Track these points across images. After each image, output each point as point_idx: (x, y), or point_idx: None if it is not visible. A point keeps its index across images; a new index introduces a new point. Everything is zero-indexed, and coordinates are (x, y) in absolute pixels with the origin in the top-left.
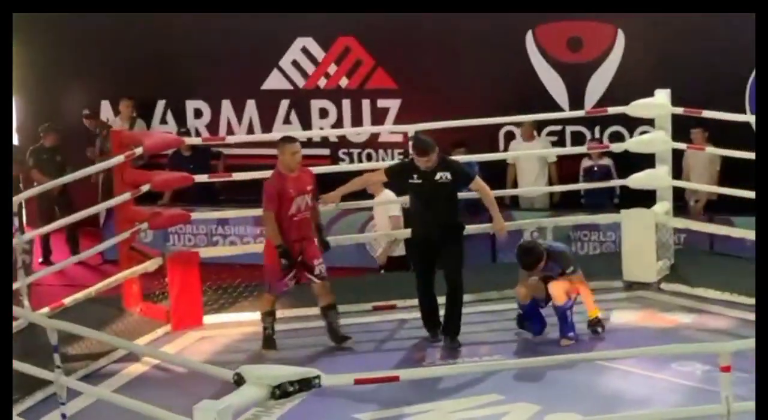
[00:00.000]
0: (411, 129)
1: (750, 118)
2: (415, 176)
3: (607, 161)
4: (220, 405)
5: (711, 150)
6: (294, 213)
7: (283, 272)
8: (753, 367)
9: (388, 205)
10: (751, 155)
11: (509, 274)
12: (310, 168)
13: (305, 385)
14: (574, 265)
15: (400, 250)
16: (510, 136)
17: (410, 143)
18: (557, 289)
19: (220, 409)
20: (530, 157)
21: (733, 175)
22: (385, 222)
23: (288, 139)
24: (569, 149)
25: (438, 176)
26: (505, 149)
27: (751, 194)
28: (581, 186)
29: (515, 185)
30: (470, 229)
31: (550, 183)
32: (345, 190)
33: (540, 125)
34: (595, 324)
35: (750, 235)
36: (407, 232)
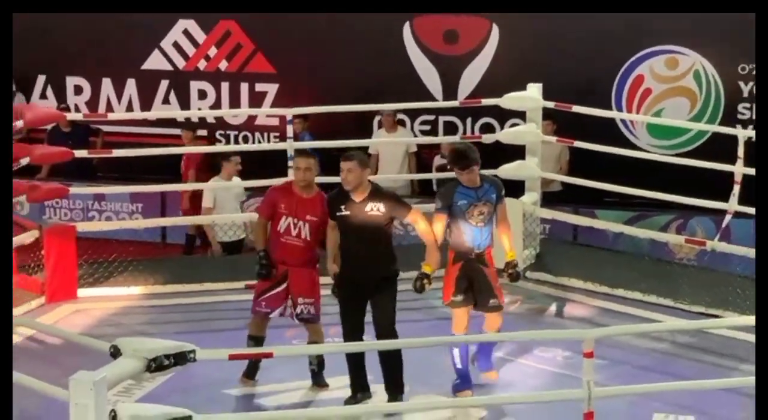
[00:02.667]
0: (287, 112)
1: (615, 114)
2: (343, 207)
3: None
4: (96, 376)
5: (579, 144)
6: (282, 232)
7: (260, 285)
8: (613, 355)
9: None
10: (608, 149)
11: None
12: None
13: (180, 358)
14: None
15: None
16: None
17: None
18: (496, 319)
19: (96, 380)
20: (392, 148)
21: (581, 167)
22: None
23: (301, 152)
24: (444, 139)
25: (368, 207)
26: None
27: (604, 186)
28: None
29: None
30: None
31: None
32: (332, 257)
33: (414, 114)
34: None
35: (610, 226)
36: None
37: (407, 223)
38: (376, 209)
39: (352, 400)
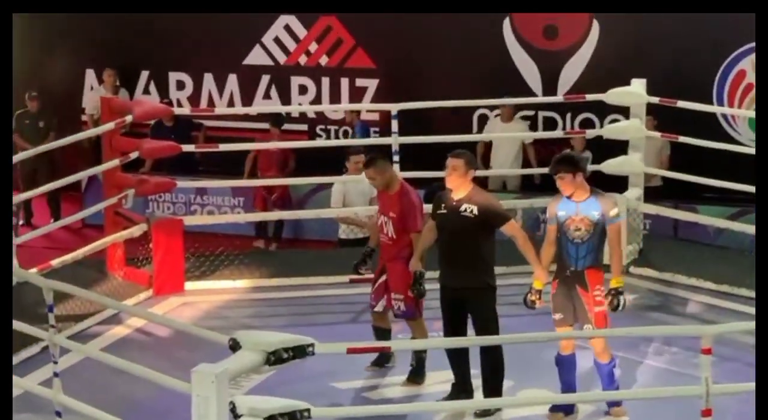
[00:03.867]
0: (392, 107)
1: (716, 108)
2: (443, 206)
3: (587, 154)
4: (218, 368)
5: (684, 139)
6: (380, 230)
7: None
8: (721, 352)
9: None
10: (711, 144)
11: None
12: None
13: (299, 352)
14: (619, 210)
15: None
16: (483, 119)
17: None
18: (598, 343)
19: (218, 373)
20: (507, 139)
21: (681, 163)
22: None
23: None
24: (545, 134)
25: (463, 208)
26: (479, 132)
27: (707, 181)
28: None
29: (486, 162)
30: None
31: (528, 165)
32: (419, 252)
33: (514, 109)
34: (614, 295)
35: (714, 221)
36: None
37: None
38: (469, 211)
39: (449, 398)
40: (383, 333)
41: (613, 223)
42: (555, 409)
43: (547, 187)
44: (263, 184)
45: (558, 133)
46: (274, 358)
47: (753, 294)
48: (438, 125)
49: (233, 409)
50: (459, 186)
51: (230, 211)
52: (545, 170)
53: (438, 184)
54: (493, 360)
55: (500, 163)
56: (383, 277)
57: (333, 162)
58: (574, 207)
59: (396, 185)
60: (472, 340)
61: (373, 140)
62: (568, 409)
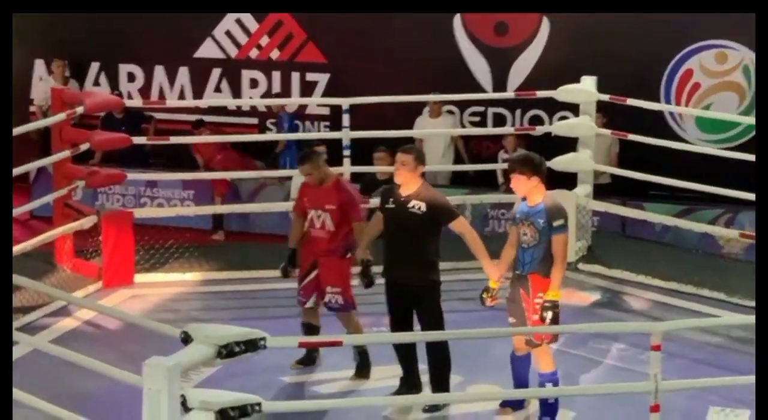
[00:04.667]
0: (343, 102)
1: (665, 107)
2: (391, 200)
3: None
4: (171, 362)
5: (634, 137)
6: (309, 226)
7: (299, 275)
8: (668, 348)
9: None
10: (660, 142)
11: None
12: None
13: (251, 345)
14: (565, 221)
15: None
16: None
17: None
18: (544, 355)
19: (170, 366)
20: (435, 135)
21: (629, 160)
22: None
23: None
24: (496, 130)
25: (411, 204)
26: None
27: (657, 178)
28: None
29: None
30: None
31: (460, 160)
32: (365, 242)
33: (463, 105)
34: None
35: (663, 219)
36: None
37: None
38: (417, 208)
39: (397, 393)
40: (313, 330)
41: (557, 234)
42: (505, 404)
43: (480, 182)
44: (212, 177)
45: (509, 129)
46: (226, 351)
47: (700, 291)
48: (389, 121)
49: (184, 402)
50: (408, 181)
51: (180, 204)
52: (485, 167)
53: (370, 176)
54: (439, 355)
55: (429, 159)
56: (314, 273)
57: None
58: (527, 212)
59: (331, 178)
60: (421, 336)
61: (324, 134)
62: (517, 404)
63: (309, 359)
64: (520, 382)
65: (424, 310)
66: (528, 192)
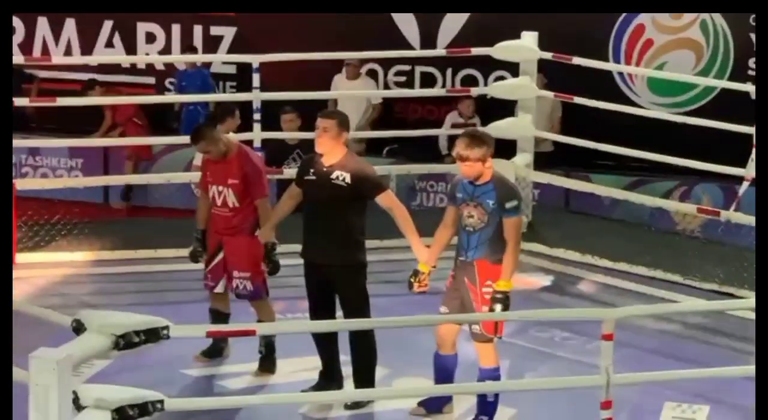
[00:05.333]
0: (253, 59)
1: (614, 66)
2: (311, 171)
3: (476, 120)
4: (60, 354)
5: (580, 100)
6: (212, 203)
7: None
8: (618, 336)
9: None
10: (608, 105)
11: None
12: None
13: (152, 335)
14: (519, 202)
15: None
16: (372, 75)
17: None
18: (488, 349)
19: (60, 359)
20: (350, 97)
21: (574, 127)
22: None
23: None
24: (424, 91)
25: (334, 175)
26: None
27: (605, 147)
28: (437, 132)
29: None
30: None
31: (373, 125)
32: (273, 222)
33: (388, 64)
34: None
35: (612, 192)
36: None
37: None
38: (341, 179)
39: (312, 391)
40: (222, 317)
41: (510, 216)
42: (422, 402)
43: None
44: (103, 143)
45: (440, 91)
46: (124, 341)
47: (653, 273)
48: (302, 81)
49: (76, 400)
50: (331, 149)
51: (67, 174)
52: (410, 133)
53: (278, 142)
54: (363, 345)
55: None
56: (221, 255)
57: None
58: (471, 191)
59: (233, 149)
60: (344, 324)
61: (232, 96)
62: (434, 406)
63: (215, 350)
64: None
65: (347, 295)
66: (481, 172)
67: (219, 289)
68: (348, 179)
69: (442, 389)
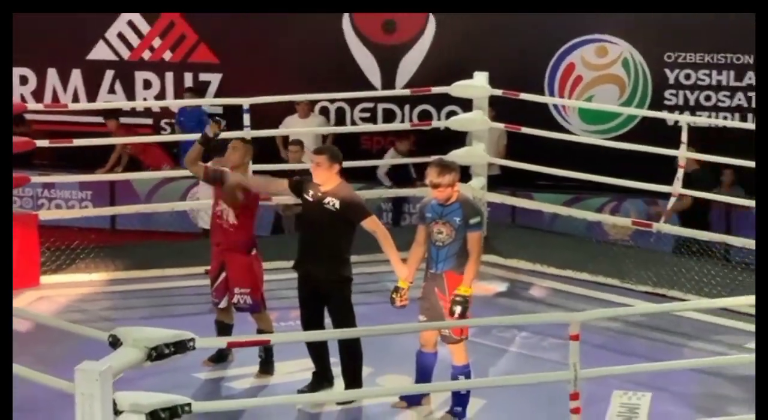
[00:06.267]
0: (240, 102)
1: (557, 100)
2: (310, 192)
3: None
4: (102, 366)
5: (526, 130)
6: (217, 215)
7: (210, 274)
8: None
9: None
10: (549, 134)
11: None
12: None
13: (180, 347)
14: (481, 219)
15: None
16: (340, 112)
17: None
18: (459, 349)
19: (102, 370)
20: (305, 134)
21: (517, 152)
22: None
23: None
24: (387, 125)
25: (326, 200)
26: (336, 124)
27: (548, 169)
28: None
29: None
30: None
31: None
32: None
33: (354, 102)
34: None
35: (553, 208)
36: None
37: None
38: (331, 205)
39: (307, 389)
40: (226, 328)
41: (474, 231)
42: (403, 397)
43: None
44: (110, 179)
45: (405, 125)
46: (156, 353)
47: (596, 278)
48: (274, 119)
49: (114, 406)
50: (325, 180)
51: (79, 205)
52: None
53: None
54: (351, 351)
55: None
56: (224, 275)
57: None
58: (440, 210)
59: (242, 171)
60: (336, 334)
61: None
62: (414, 400)
63: (221, 356)
64: (425, 379)
65: (335, 306)
66: (450, 196)
67: (223, 304)
68: (337, 205)
69: (427, 387)
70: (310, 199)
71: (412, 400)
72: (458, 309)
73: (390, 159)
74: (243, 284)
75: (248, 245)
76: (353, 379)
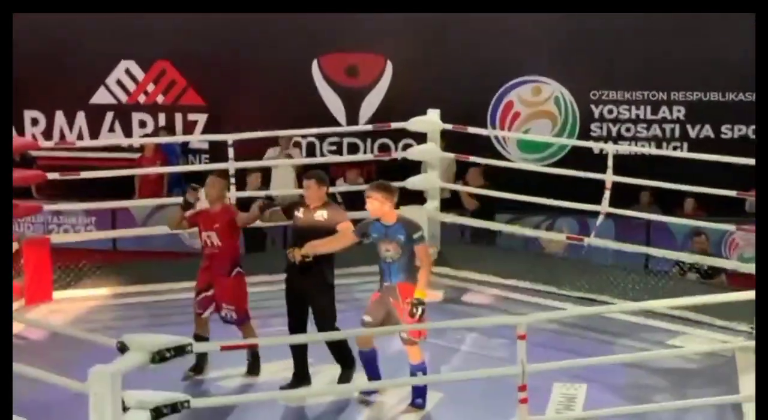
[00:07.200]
0: (225, 138)
1: (500, 133)
2: (301, 210)
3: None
4: (112, 369)
5: (474, 159)
6: (204, 246)
7: (197, 286)
8: (512, 334)
9: None
10: (492, 162)
11: None
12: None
13: (180, 350)
14: (422, 233)
15: None
16: (311, 147)
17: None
18: (415, 349)
19: (112, 372)
20: (285, 166)
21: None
22: None
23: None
24: (351, 157)
25: (317, 214)
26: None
27: (489, 192)
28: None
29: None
30: None
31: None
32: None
33: (322, 137)
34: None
35: (498, 226)
36: None
37: None
38: (321, 216)
39: (288, 386)
40: (204, 341)
41: (419, 244)
42: (362, 391)
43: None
44: (111, 206)
45: (368, 156)
46: (159, 357)
47: (536, 286)
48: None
49: (122, 403)
50: (315, 201)
51: (84, 229)
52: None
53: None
54: (336, 343)
55: (279, 185)
56: (210, 292)
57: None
58: (383, 230)
59: (222, 203)
60: (313, 336)
61: (208, 166)
62: (371, 393)
63: (198, 368)
64: (373, 371)
65: (319, 311)
66: (383, 213)
67: (206, 314)
68: (325, 215)
69: (395, 383)
70: (301, 215)
71: (371, 392)
72: (417, 310)
73: (339, 187)
74: (229, 301)
75: (234, 264)
76: (346, 359)
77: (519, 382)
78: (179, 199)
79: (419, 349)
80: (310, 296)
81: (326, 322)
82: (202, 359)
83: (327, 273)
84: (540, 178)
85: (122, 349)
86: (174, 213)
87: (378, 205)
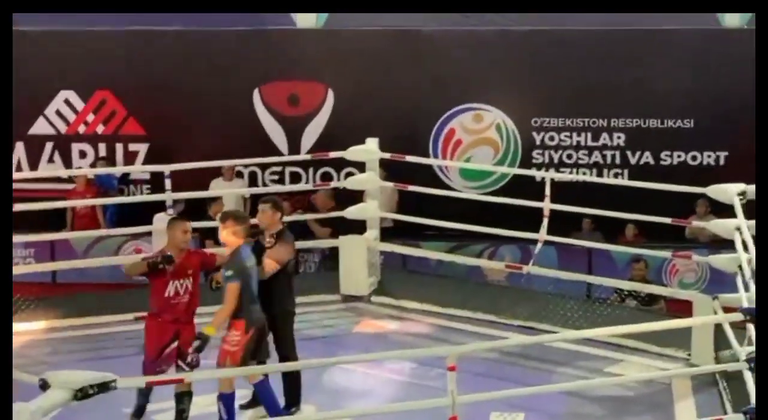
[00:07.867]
0: (162, 169)
1: (438, 161)
2: (266, 239)
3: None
4: (32, 407)
5: (413, 188)
6: (171, 296)
7: (152, 347)
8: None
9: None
10: (433, 191)
11: None
12: None
13: (103, 387)
14: (234, 272)
15: None
16: (253, 175)
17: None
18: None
19: (32, 410)
20: (228, 195)
21: (407, 207)
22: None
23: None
24: (294, 186)
25: (268, 241)
26: (250, 186)
27: (433, 222)
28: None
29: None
30: None
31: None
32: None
33: (264, 166)
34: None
35: (438, 255)
36: None
37: None
38: (269, 243)
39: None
40: (188, 395)
41: (227, 282)
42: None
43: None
44: (53, 238)
45: (308, 186)
46: (81, 394)
47: (475, 315)
48: (206, 182)
49: (44, 384)
50: (268, 225)
51: (23, 262)
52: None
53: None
54: (289, 375)
55: None
56: (175, 344)
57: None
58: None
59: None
60: (265, 368)
61: (148, 197)
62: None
63: (140, 409)
64: (271, 403)
65: (280, 338)
66: (225, 242)
67: (170, 371)
68: (273, 241)
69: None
70: (267, 245)
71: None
72: (195, 343)
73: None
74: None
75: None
76: (293, 394)
77: (449, 413)
78: (121, 230)
79: (228, 379)
80: (271, 324)
81: (285, 354)
82: (143, 401)
83: (287, 298)
84: (482, 206)
85: (43, 386)
86: (137, 264)
87: (224, 238)
